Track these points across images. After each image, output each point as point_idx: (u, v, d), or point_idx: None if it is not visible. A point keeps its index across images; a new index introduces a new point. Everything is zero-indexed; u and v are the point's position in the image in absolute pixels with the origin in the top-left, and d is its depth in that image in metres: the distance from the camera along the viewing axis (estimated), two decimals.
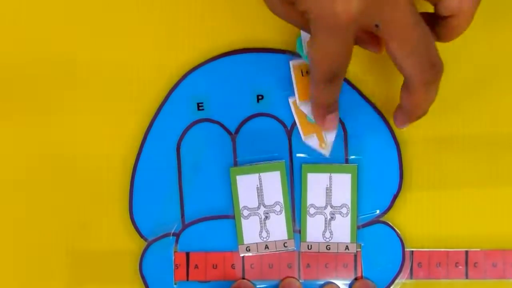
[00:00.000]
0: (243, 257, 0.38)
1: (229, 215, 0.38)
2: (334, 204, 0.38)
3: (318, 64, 0.31)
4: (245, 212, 0.38)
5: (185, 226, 0.38)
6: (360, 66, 0.38)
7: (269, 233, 0.38)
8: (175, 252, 0.38)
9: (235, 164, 0.38)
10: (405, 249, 0.38)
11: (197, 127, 0.38)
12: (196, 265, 0.38)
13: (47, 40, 0.39)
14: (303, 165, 0.38)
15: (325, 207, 0.38)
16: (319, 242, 0.38)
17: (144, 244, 0.38)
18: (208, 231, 0.38)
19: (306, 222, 0.38)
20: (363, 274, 0.38)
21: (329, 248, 0.38)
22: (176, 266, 0.38)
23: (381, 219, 0.38)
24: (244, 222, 0.38)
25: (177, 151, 0.38)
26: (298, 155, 0.38)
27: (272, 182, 0.38)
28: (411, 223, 0.38)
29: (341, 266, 0.38)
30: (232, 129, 0.38)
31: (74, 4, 0.39)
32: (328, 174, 0.38)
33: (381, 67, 0.38)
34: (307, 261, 0.38)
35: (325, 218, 0.38)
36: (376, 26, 0.30)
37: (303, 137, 0.38)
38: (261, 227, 0.38)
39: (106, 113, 0.39)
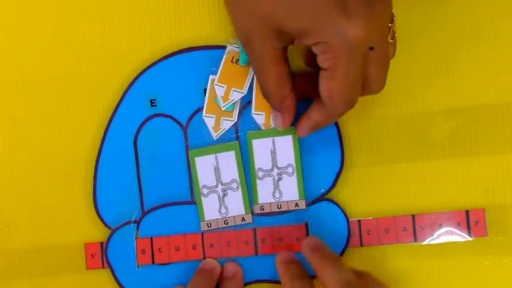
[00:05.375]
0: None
1: (185, 200, 0.41)
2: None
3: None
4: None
5: (144, 214, 0.41)
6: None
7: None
8: (136, 238, 0.41)
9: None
10: (350, 220, 0.40)
11: (151, 121, 0.42)
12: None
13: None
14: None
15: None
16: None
17: (108, 232, 0.42)
18: (166, 216, 0.41)
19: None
20: None
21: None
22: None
23: (326, 196, 0.41)
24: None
25: (134, 145, 0.42)
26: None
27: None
28: (354, 198, 0.41)
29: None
30: (183, 122, 0.42)
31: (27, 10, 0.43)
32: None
33: None
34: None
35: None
36: (371, 48, 0.33)
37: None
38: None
39: (68, 112, 0.42)
